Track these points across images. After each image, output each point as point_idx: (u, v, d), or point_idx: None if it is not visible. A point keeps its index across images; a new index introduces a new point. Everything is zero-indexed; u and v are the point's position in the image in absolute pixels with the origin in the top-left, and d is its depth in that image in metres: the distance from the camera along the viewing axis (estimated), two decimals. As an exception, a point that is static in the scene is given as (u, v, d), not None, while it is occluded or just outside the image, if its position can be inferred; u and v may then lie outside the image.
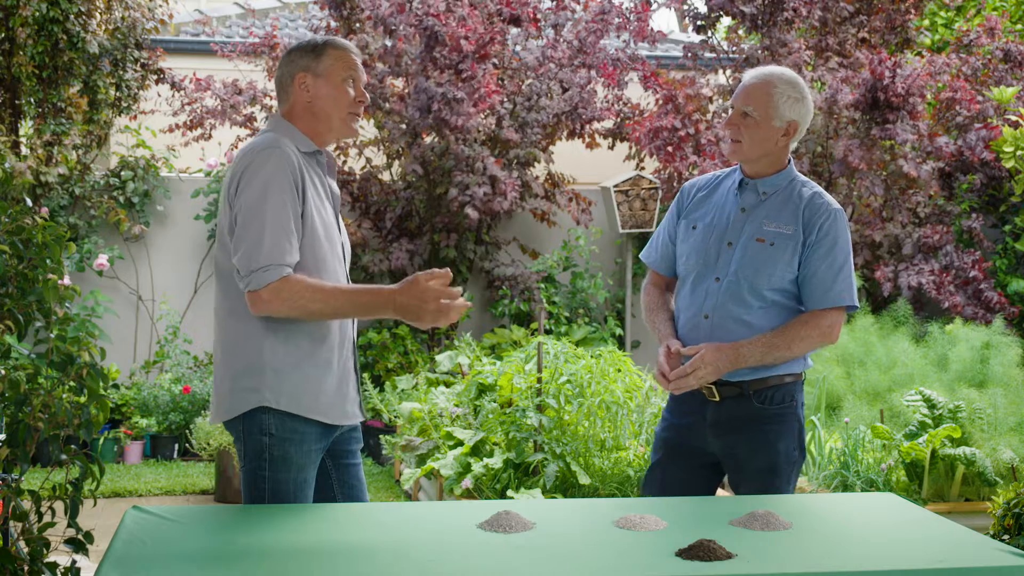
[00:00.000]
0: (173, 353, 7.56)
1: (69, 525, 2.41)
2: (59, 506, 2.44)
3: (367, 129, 8.19)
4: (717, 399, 3.13)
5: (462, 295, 8.55)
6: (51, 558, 2.41)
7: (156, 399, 7.19)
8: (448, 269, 2.70)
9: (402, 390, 6.86)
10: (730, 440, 3.14)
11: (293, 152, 2.75)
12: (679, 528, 2.49)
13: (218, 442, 6.20)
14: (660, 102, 7.90)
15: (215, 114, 7.83)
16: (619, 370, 5.21)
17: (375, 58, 7.90)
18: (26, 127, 7.87)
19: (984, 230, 8.02)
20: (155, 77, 8.05)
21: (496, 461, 4.91)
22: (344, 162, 8.17)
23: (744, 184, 3.19)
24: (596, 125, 8.30)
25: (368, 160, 8.21)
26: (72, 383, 2.45)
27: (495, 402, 5.30)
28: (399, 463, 6.30)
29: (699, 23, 8.18)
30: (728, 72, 8.32)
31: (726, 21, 8.78)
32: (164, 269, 8.04)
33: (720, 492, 3.61)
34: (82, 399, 2.47)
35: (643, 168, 8.52)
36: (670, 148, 7.69)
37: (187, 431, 6.95)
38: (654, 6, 8.46)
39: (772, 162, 3.17)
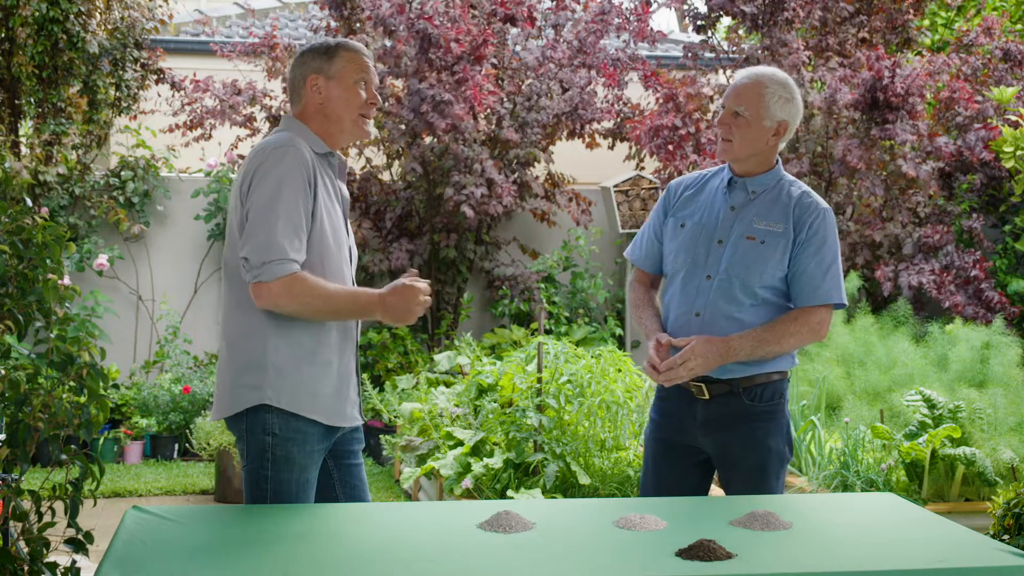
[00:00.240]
0: (173, 353, 7.56)
1: (69, 525, 2.41)
2: (59, 506, 2.44)
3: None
4: (707, 397, 3.15)
5: (462, 295, 8.51)
6: (51, 558, 2.41)
7: (156, 399, 7.19)
8: (415, 269, 2.80)
9: (402, 390, 6.86)
10: (722, 437, 3.16)
11: (307, 151, 2.78)
12: (679, 528, 2.49)
13: (218, 442, 6.20)
14: (661, 101, 7.90)
15: (215, 114, 7.83)
16: (619, 370, 5.21)
17: (375, 59, 7.90)
18: (26, 127, 7.87)
19: (984, 230, 8.02)
20: (155, 77, 8.05)
21: (496, 461, 4.91)
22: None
23: (733, 183, 3.22)
24: (596, 125, 8.30)
25: (368, 160, 8.21)
26: (72, 383, 2.45)
27: (495, 402, 5.30)
28: (399, 463, 6.30)
29: (699, 23, 8.18)
30: (728, 72, 8.32)
31: (726, 21, 8.79)
32: (164, 269, 8.04)
33: (714, 490, 3.60)
34: (82, 399, 2.47)
35: (643, 168, 8.52)
36: (670, 147, 7.69)
37: (187, 431, 6.95)
38: (654, 6, 8.46)
39: (761, 161, 3.19)
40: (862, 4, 8.31)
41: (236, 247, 2.76)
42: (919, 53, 8.74)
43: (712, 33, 8.26)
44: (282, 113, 7.93)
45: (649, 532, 2.46)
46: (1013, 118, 5.37)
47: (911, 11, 8.40)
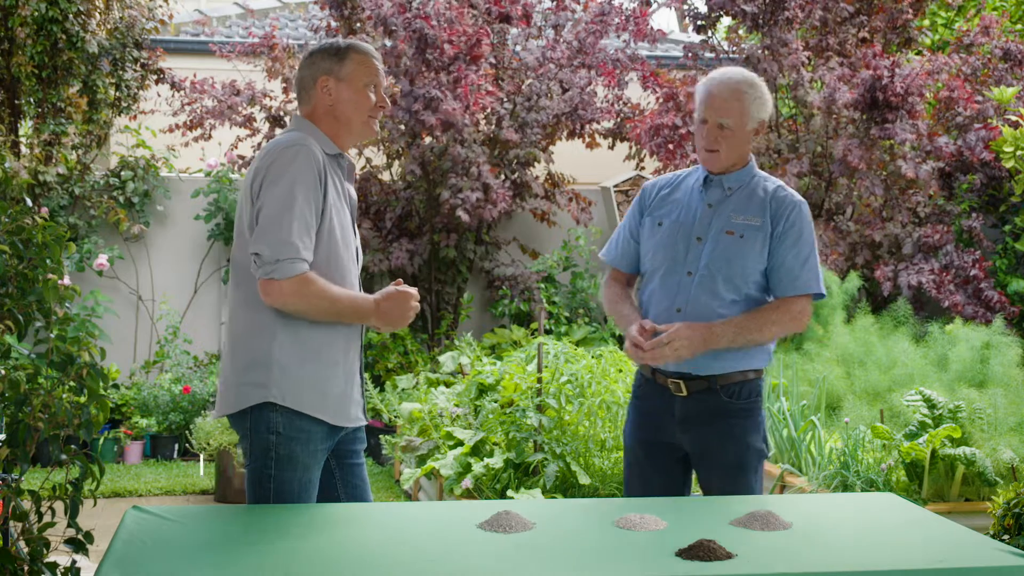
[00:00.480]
0: (173, 353, 7.56)
1: (69, 525, 2.41)
2: (59, 506, 2.44)
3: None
4: (684, 393, 3.18)
5: (462, 295, 8.51)
6: (51, 558, 2.41)
7: (156, 399, 7.20)
8: (400, 279, 2.90)
9: (402, 390, 6.86)
10: (700, 433, 3.19)
11: (319, 151, 2.79)
12: (679, 528, 2.49)
13: (218, 442, 6.20)
14: (661, 100, 7.90)
15: (214, 114, 7.83)
16: (619, 370, 5.21)
17: (376, 58, 7.89)
18: (26, 127, 7.87)
19: (984, 230, 8.01)
20: (155, 77, 8.05)
21: (496, 461, 4.91)
22: (344, 162, 8.16)
23: (709, 180, 3.27)
24: (596, 125, 8.30)
25: (368, 160, 8.21)
26: (72, 383, 2.46)
27: (495, 402, 5.30)
28: (399, 463, 6.30)
29: (699, 23, 8.17)
30: (728, 72, 8.30)
31: (726, 21, 8.78)
32: (164, 269, 8.04)
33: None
34: (82, 399, 2.47)
35: (643, 168, 8.51)
36: (671, 146, 7.69)
37: (187, 431, 6.95)
38: (654, 6, 8.46)
39: (739, 159, 3.25)
40: (862, 4, 8.30)
41: (245, 244, 2.76)
42: (919, 53, 8.74)
43: (712, 33, 8.25)
44: (282, 113, 7.94)
45: (649, 532, 2.46)
46: (1013, 118, 5.37)
47: (911, 11, 8.40)
